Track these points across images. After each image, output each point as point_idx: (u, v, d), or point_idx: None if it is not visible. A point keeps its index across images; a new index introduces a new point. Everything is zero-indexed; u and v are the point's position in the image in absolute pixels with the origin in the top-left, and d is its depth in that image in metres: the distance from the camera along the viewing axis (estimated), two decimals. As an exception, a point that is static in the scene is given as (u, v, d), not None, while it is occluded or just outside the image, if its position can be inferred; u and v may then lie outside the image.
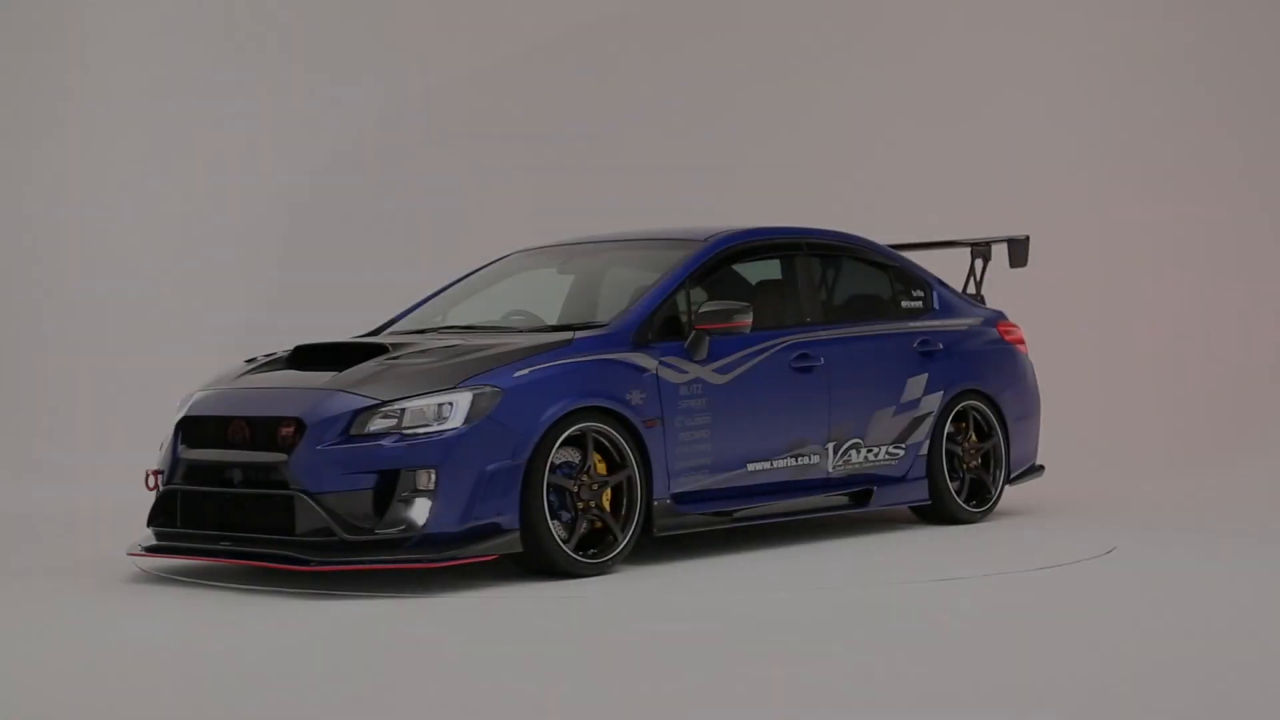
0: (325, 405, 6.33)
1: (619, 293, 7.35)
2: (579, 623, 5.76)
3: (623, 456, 6.61)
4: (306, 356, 6.91)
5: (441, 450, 6.18)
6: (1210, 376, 11.11)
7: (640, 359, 6.77)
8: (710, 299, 7.11)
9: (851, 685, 4.69)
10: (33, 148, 11.11)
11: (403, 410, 6.25)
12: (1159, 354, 11.19)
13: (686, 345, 6.93)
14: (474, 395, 6.29)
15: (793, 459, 7.31)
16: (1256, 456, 10.46)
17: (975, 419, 8.17)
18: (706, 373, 6.98)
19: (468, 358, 6.54)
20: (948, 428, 7.98)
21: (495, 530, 6.24)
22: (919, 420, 7.83)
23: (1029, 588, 6.42)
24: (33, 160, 11.10)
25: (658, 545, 7.39)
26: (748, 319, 6.96)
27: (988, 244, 8.69)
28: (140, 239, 11.09)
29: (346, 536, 6.17)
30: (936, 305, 8.18)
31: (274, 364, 7.00)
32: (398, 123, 11.39)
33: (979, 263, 8.72)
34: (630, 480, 6.63)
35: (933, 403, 7.89)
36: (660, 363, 6.82)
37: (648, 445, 6.69)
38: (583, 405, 6.48)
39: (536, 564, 6.43)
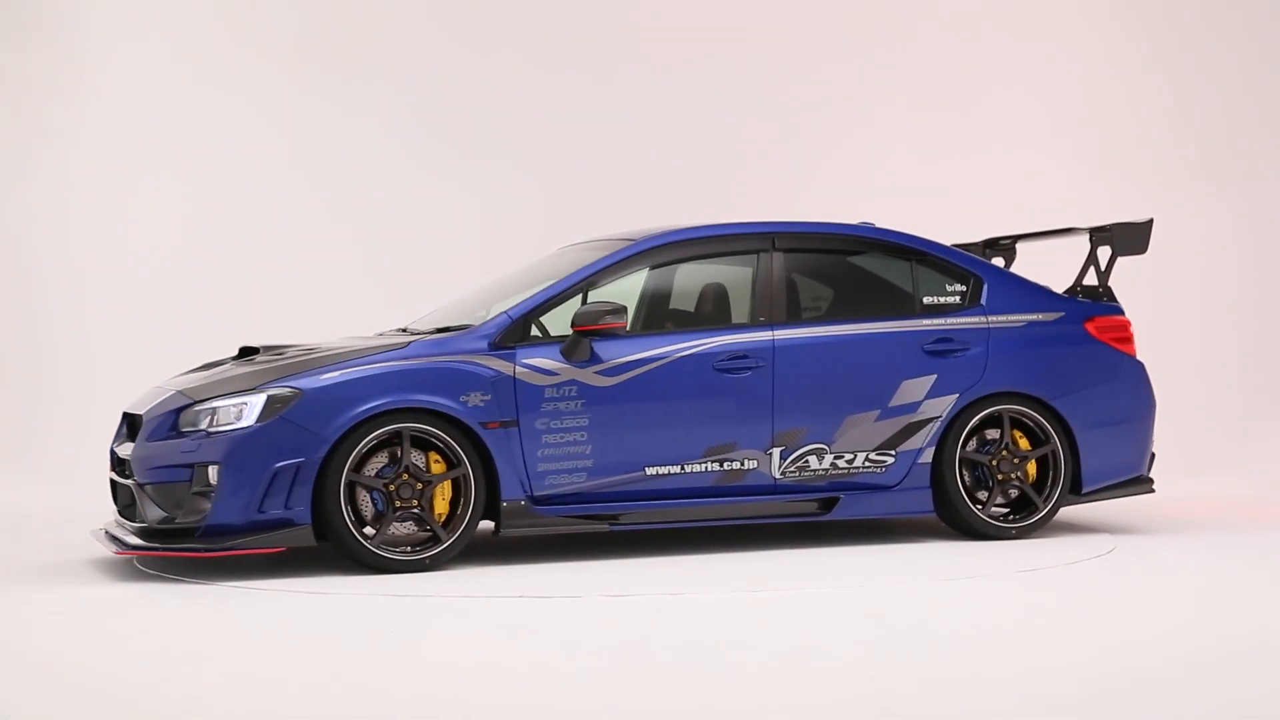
0: (162, 404, 6.94)
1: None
2: (572, 625, 5.77)
3: (457, 458, 6.79)
4: (243, 357, 7.38)
5: (226, 447, 6.62)
6: (1215, 374, 11.10)
7: (492, 361, 6.91)
8: (592, 301, 7.13)
9: (850, 686, 4.70)
10: (33, 147, 11.12)
11: (214, 410, 6.72)
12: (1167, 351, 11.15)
13: (563, 348, 6.99)
14: (268, 396, 6.68)
15: (715, 464, 7.17)
16: (1260, 456, 10.50)
17: (1028, 427, 7.61)
18: (587, 375, 6.99)
19: (293, 360, 6.94)
20: (972, 433, 7.51)
21: (286, 523, 6.63)
22: (917, 425, 7.40)
23: (1028, 588, 6.42)
24: (35, 161, 11.12)
25: (674, 544, 7.45)
26: (620, 320, 6.99)
27: (1111, 229, 7.96)
28: (154, 236, 11.11)
29: (154, 525, 6.75)
30: (984, 300, 7.65)
31: (216, 364, 7.40)
32: (417, 120, 11.37)
33: (1103, 250, 8.06)
34: (465, 480, 6.79)
35: (939, 406, 7.42)
36: (521, 365, 6.92)
37: (490, 447, 6.82)
38: (395, 407, 6.71)
39: (346, 558, 6.77)
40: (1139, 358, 7.91)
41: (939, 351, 7.49)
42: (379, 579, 6.63)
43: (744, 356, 7.22)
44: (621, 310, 6.98)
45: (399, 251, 11.09)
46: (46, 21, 11.15)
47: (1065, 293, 8.04)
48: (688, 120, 11.42)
